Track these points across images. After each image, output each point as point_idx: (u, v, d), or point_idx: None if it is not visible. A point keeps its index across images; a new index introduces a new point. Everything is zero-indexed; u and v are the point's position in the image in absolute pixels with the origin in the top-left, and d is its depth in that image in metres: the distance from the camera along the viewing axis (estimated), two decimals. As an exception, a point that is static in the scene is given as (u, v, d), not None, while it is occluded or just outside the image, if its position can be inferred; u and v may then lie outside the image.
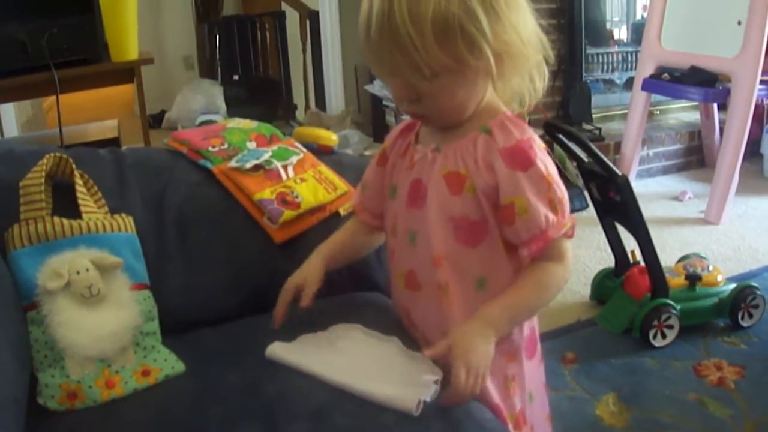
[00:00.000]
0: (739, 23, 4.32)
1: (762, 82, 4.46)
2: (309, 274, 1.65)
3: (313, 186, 1.94)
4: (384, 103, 5.55)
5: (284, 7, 7.21)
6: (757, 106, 4.81)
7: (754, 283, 3.10)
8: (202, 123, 5.42)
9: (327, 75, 5.90)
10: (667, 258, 3.38)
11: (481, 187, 1.37)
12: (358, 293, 1.86)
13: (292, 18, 6.95)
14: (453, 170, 1.40)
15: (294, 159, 1.99)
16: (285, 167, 1.95)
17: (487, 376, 1.35)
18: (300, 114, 6.86)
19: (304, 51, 6.66)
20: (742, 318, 3.03)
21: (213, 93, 6.47)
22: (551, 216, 1.36)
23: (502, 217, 1.38)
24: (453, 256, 1.43)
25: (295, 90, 7.06)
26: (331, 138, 2.18)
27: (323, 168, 2.02)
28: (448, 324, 1.43)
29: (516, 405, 1.55)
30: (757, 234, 4.11)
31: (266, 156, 1.96)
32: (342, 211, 1.96)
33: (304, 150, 2.06)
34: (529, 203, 1.34)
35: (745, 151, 4.37)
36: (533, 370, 1.60)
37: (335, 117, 5.63)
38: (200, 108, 6.35)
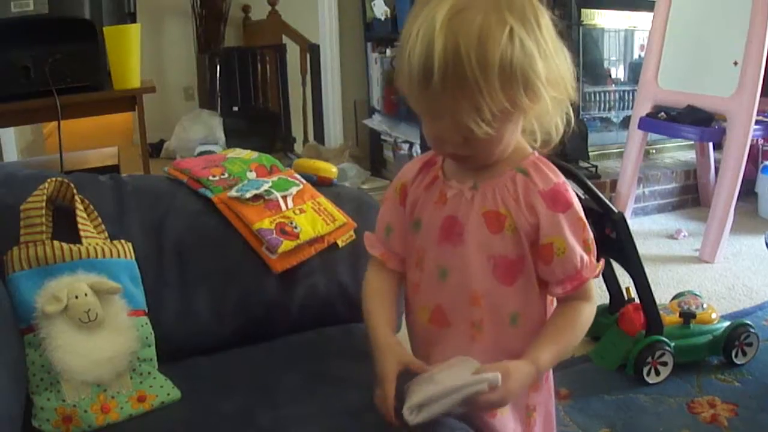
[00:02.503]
0: (736, 63, 4.35)
1: (757, 122, 4.49)
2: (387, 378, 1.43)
3: (312, 217, 1.95)
4: (382, 137, 5.59)
5: (285, 40, 7.25)
6: (752, 146, 4.84)
7: (747, 321, 3.11)
8: (201, 153, 5.43)
9: (326, 108, 5.91)
10: (662, 295, 3.39)
11: (522, 227, 1.40)
12: (355, 324, 1.86)
13: (293, 51, 7.00)
14: (492, 209, 1.41)
15: (294, 190, 2.00)
16: (284, 198, 1.96)
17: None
18: (298, 147, 6.89)
19: (303, 84, 6.70)
20: (736, 356, 3.04)
21: (212, 124, 6.48)
22: (585, 257, 1.40)
23: (540, 255, 1.41)
24: (491, 294, 1.44)
25: (294, 123, 7.08)
26: (330, 170, 2.18)
27: (322, 199, 2.03)
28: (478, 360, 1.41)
29: None
30: (751, 273, 4.12)
31: (266, 186, 1.97)
32: (340, 243, 1.97)
33: (304, 181, 2.07)
34: (567, 243, 1.39)
35: (740, 190, 4.39)
36: (549, 398, 1.65)
37: (333, 150, 5.64)
38: (199, 138, 6.36)
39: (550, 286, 1.45)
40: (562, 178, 1.43)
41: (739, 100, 4.30)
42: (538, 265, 1.42)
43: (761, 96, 4.34)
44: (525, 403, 1.55)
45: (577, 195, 2.90)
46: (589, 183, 2.87)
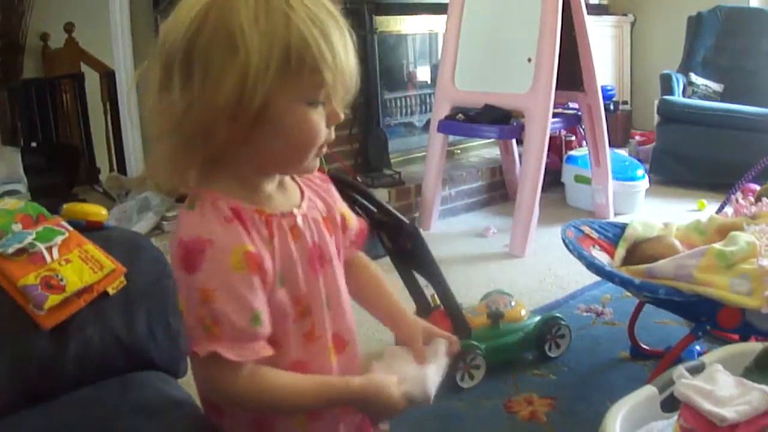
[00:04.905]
0: (530, 60, 4.45)
1: (556, 114, 4.61)
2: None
3: (78, 267, 1.86)
4: (181, 162, 5.51)
5: (84, 68, 7.05)
6: (555, 138, 4.96)
7: (557, 314, 3.18)
8: (5, 194, 5.24)
9: (126, 136, 5.78)
10: (474, 295, 3.43)
11: (337, 211, 1.44)
12: (134, 374, 1.79)
13: (94, 79, 6.81)
14: (324, 214, 1.40)
15: (59, 239, 1.91)
16: (49, 249, 1.87)
17: None
18: (104, 178, 6.71)
19: (106, 113, 6.53)
20: (550, 349, 3.10)
21: (15, 161, 6.25)
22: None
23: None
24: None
25: (100, 153, 6.90)
26: (100, 213, 2.10)
27: (90, 246, 1.94)
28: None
29: None
30: (561, 262, 4.20)
31: (30, 239, 1.87)
32: (111, 291, 1.89)
33: (71, 228, 1.98)
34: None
35: (548, 181, 4.50)
36: None
37: (136, 179, 5.53)
38: (2, 178, 6.12)
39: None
40: None
41: (535, 95, 4.41)
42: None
43: (558, 89, 4.45)
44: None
45: (370, 210, 2.90)
46: (376, 196, 2.86)
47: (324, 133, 1.25)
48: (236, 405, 1.31)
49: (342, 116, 1.27)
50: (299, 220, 1.33)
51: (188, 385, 1.84)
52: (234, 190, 1.27)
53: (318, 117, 1.23)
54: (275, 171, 1.32)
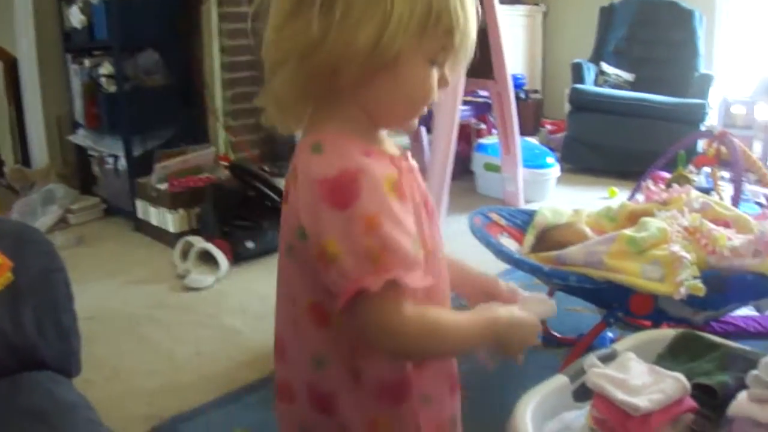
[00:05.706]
0: (440, 47, 4.42)
1: (467, 102, 4.59)
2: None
3: (-39, 263, 1.79)
4: (89, 153, 5.41)
5: (-14, 56, 6.89)
6: (465, 126, 4.94)
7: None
8: None
9: (29, 127, 5.65)
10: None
11: None
12: (23, 374, 1.72)
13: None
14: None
15: (-60, 235, 1.84)
16: (-70, 245, 1.80)
17: None
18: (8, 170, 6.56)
19: (10, 103, 6.38)
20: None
21: None
22: None
23: None
24: None
25: (3, 145, 6.74)
26: (-13, 206, 2.03)
27: (-26, 241, 1.87)
28: None
29: None
30: (471, 251, 4.12)
31: None
32: (-1, 286, 1.82)
33: (-44, 223, 1.91)
34: None
35: (458, 169, 4.48)
36: None
37: (39, 171, 5.42)
38: None
39: None
40: None
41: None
42: None
43: (468, 77, 4.44)
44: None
45: (274, 200, 2.83)
46: (281, 186, 2.80)
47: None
48: (406, 344, 1.24)
49: (450, 82, 1.29)
50: (413, 163, 1.35)
51: (86, 382, 1.78)
52: (352, 134, 1.24)
53: (434, 77, 1.24)
54: (385, 122, 1.30)
